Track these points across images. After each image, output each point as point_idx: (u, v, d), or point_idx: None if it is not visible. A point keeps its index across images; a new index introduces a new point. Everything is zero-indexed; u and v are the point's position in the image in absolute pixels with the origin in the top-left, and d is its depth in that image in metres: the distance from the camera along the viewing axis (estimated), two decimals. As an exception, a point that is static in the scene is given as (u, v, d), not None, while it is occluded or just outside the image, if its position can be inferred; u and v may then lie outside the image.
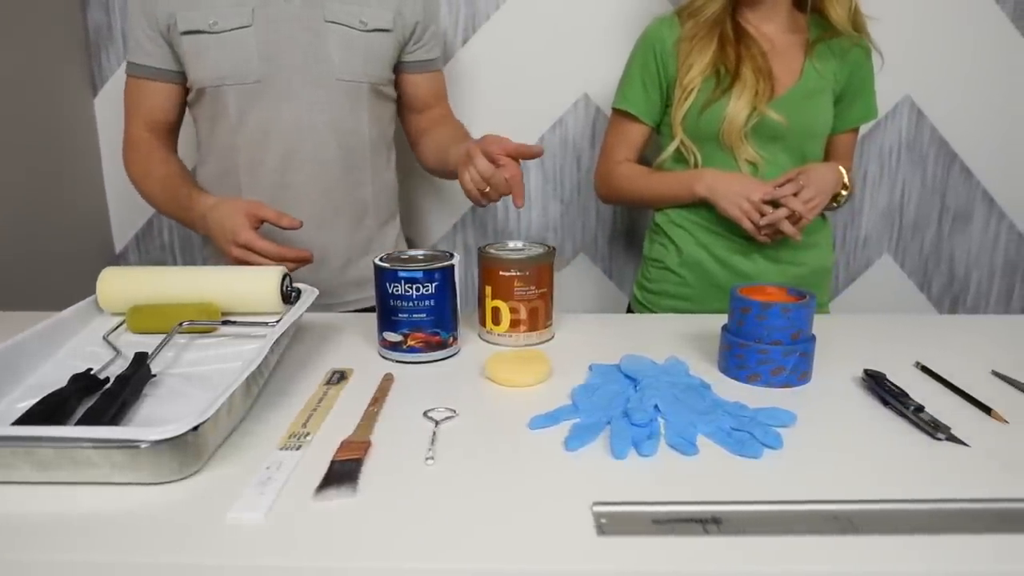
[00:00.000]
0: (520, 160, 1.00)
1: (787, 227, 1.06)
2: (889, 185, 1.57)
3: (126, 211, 1.54)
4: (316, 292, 0.89)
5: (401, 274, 0.82)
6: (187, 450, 0.57)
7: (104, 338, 0.80)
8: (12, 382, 0.70)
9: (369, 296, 0.98)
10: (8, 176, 1.26)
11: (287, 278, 0.88)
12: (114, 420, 0.63)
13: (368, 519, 0.54)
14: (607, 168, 1.24)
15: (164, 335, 0.78)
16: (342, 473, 0.59)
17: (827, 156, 1.21)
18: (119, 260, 1.56)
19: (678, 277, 1.19)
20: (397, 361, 0.85)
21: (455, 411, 0.71)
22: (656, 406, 0.70)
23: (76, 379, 0.69)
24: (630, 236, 1.59)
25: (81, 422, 0.62)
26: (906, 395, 0.73)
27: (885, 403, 0.74)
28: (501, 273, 0.88)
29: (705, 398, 0.73)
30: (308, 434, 0.66)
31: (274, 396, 0.75)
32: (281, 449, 0.63)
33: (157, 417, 0.66)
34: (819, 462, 0.62)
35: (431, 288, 0.82)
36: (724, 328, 0.83)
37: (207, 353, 0.79)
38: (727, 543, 0.50)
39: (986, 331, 0.99)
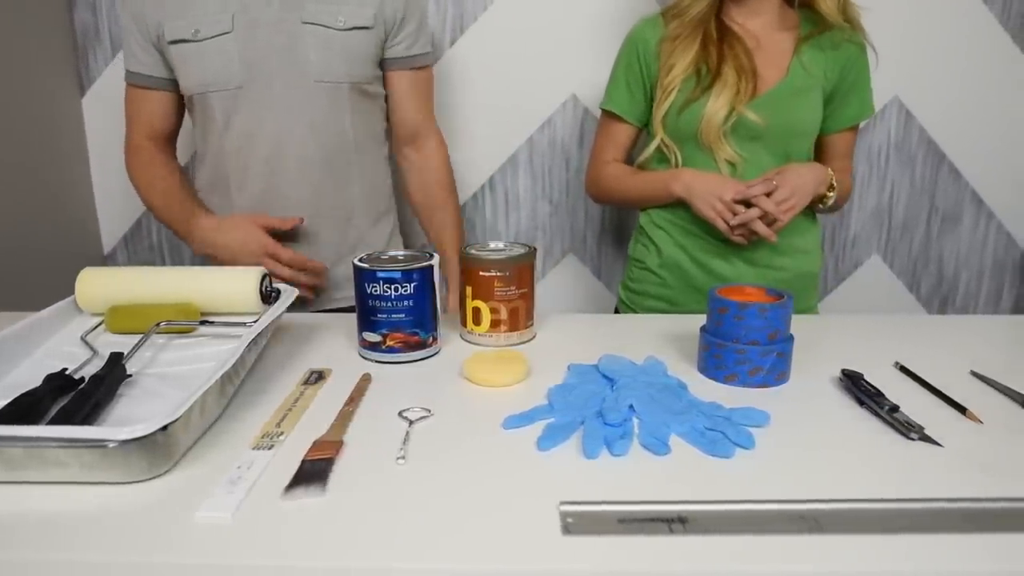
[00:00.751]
0: None
1: (760, 228, 1.05)
2: (878, 186, 1.57)
3: (114, 212, 1.54)
4: (296, 292, 0.89)
5: (379, 274, 0.82)
6: (156, 450, 0.57)
7: (82, 338, 0.80)
8: (-12, 382, 0.70)
9: None
10: (-5, 176, 1.27)
11: (266, 278, 0.88)
12: (87, 420, 0.63)
13: (336, 519, 0.54)
14: (596, 169, 1.24)
15: (142, 335, 0.78)
16: (312, 473, 0.59)
17: (823, 156, 1.19)
18: (107, 261, 1.57)
19: (658, 278, 1.19)
20: (376, 361, 0.85)
21: (430, 411, 0.71)
22: (631, 406, 0.70)
23: (50, 379, 0.69)
24: (619, 236, 1.59)
25: (53, 422, 0.62)
26: (882, 395, 0.73)
27: (861, 403, 0.74)
28: (481, 273, 0.88)
29: (681, 398, 0.73)
30: (282, 434, 0.66)
31: (252, 395, 0.75)
32: (253, 449, 0.63)
33: (131, 417, 0.66)
34: (790, 462, 0.62)
35: (410, 288, 0.82)
36: (702, 328, 0.83)
37: (185, 353, 0.79)
38: (692, 542, 0.50)
39: (967, 331, 0.99)
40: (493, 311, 0.89)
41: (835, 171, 1.13)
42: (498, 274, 0.88)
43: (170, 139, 1.20)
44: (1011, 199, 1.58)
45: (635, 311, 1.24)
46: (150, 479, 0.58)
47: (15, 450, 0.55)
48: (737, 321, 0.78)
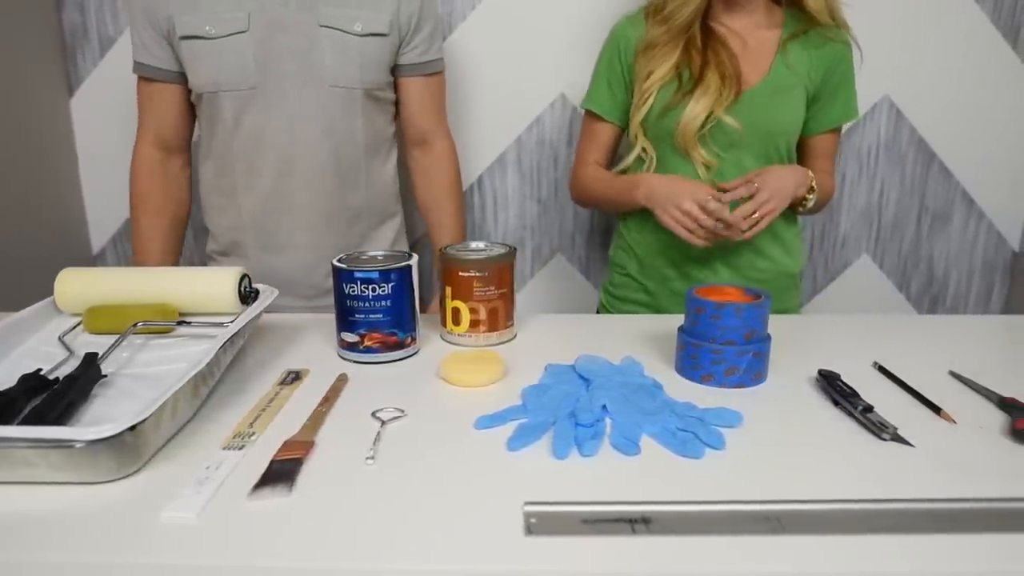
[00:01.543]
0: None
1: (733, 230, 1.02)
2: (868, 185, 1.57)
3: (103, 212, 1.54)
4: (275, 293, 0.89)
5: (357, 274, 0.82)
6: (125, 450, 0.57)
7: (59, 339, 0.80)
8: (-37, 382, 0.70)
9: None
10: (-17, 177, 1.27)
11: (245, 279, 0.88)
12: (59, 420, 0.63)
13: (301, 519, 0.54)
14: (576, 171, 1.23)
15: (119, 335, 0.78)
16: (280, 473, 0.59)
17: (805, 157, 1.18)
18: (96, 261, 1.57)
19: (639, 284, 1.19)
20: (355, 361, 0.85)
21: (403, 411, 0.71)
22: (604, 406, 0.70)
23: (25, 379, 0.69)
24: (607, 236, 1.59)
25: (25, 422, 0.62)
26: (857, 395, 0.73)
27: (836, 403, 0.74)
28: (460, 273, 0.88)
29: (656, 398, 0.73)
30: (253, 434, 0.66)
31: (228, 395, 0.76)
32: (224, 449, 0.64)
33: (105, 417, 0.66)
34: (760, 463, 0.62)
35: (387, 288, 0.82)
36: (680, 328, 0.83)
37: (162, 354, 0.79)
38: (654, 543, 0.50)
39: (948, 331, 0.99)
40: (472, 311, 0.89)
41: (817, 172, 1.12)
42: (477, 274, 0.88)
43: (182, 148, 1.18)
44: (1002, 199, 1.58)
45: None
46: (119, 479, 0.59)
47: (-17, 450, 0.55)
48: (713, 321, 0.78)
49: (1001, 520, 0.53)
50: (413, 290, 0.86)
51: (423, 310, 0.97)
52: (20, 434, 0.55)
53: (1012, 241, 1.60)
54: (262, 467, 0.60)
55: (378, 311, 0.83)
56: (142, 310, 0.82)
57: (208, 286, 0.86)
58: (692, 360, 0.80)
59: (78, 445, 0.55)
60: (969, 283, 1.63)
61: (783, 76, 1.10)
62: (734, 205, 1.04)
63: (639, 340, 0.92)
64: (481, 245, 0.95)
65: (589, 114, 1.19)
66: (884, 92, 1.51)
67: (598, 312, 1.31)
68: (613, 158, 1.22)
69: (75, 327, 0.84)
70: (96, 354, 0.73)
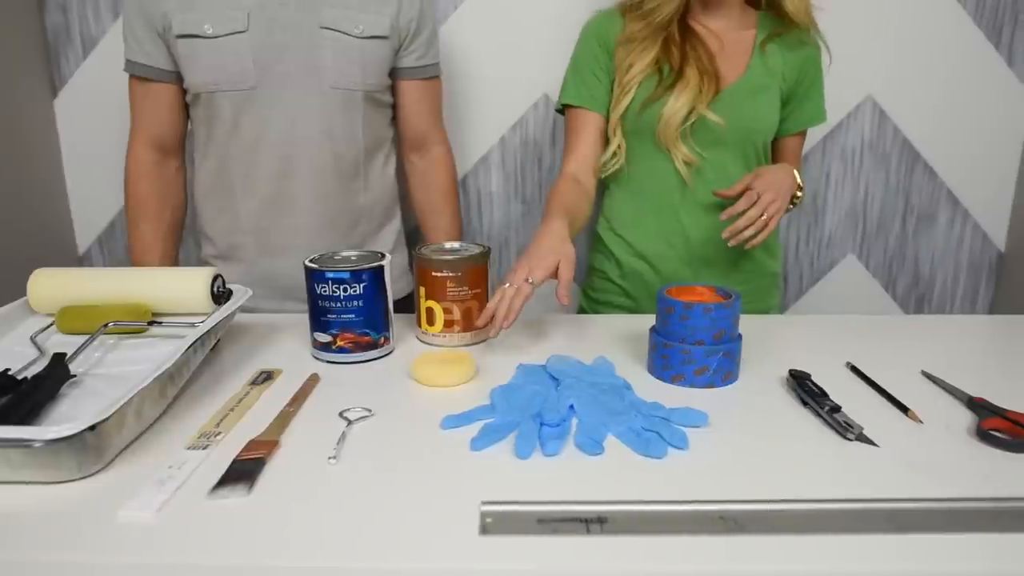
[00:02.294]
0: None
1: (748, 233, 0.98)
2: (852, 186, 1.57)
3: (88, 212, 1.54)
4: (249, 293, 0.89)
5: (328, 275, 0.82)
6: (86, 450, 0.57)
7: (31, 339, 0.80)
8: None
9: None
10: (-34, 177, 1.27)
11: (218, 279, 0.88)
12: (25, 420, 0.63)
13: (258, 518, 0.54)
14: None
15: (89, 336, 0.79)
16: (241, 472, 0.59)
17: (774, 159, 1.19)
18: (82, 261, 1.57)
19: (619, 288, 1.18)
20: (328, 362, 0.85)
21: (371, 411, 0.71)
22: (572, 406, 0.70)
23: (-8, 379, 0.69)
24: (593, 237, 1.59)
25: (-10, 422, 0.62)
26: (825, 395, 0.73)
27: (805, 404, 0.74)
28: (433, 274, 0.88)
29: (624, 398, 0.73)
30: (219, 434, 0.66)
31: (199, 395, 0.76)
32: (188, 448, 0.64)
33: (70, 417, 0.66)
34: (722, 462, 0.62)
35: (359, 289, 0.83)
36: (652, 329, 0.83)
37: (132, 354, 0.79)
38: (608, 543, 0.51)
39: (924, 331, 0.99)
40: (446, 311, 0.89)
41: None
42: (450, 274, 0.88)
43: (178, 146, 1.17)
44: (987, 198, 1.58)
45: None
46: (80, 479, 0.59)
47: (-58, 450, 0.55)
48: (683, 321, 0.78)
49: (958, 520, 0.53)
50: (386, 290, 0.86)
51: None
52: (-20, 434, 0.56)
53: (998, 241, 1.61)
54: (224, 467, 0.60)
55: (350, 311, 0.83)
56: (114, 310, 0.82)
57: (180, 286, 0.86)
58: (663, 360, 0.80)
59: (37, 444, 0.55)
60: (955, 283, 1.63)
61: (760, 76, 1.10)
62: (721, 211, 1.02)
63: (615, 340, 0.93)
64: (456, 246, 0.95)
65: (569, 112, 1.16)
66: (867, 92, 1.51)
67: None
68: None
69: (48, 327, 0.84)
70: (64, 354, 0.73)
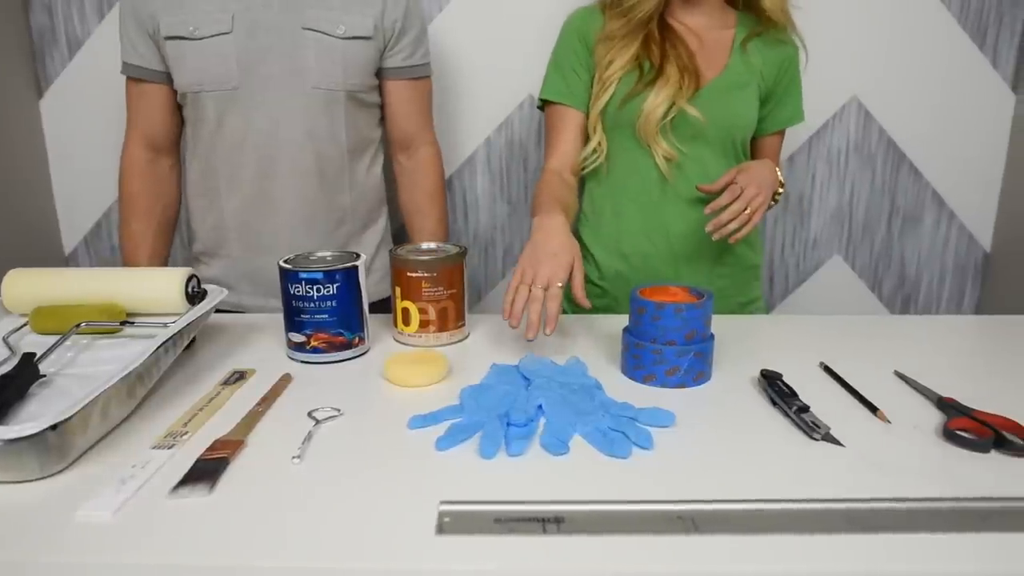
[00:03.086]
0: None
1: (732, 227, 0.97)
2: (838, 186, 1.57)
3: (74, 213, 1.55)
4: (224, 293, 0.89)
5: (301, 275, 0.82)
6: (48, 449, 0.58)
7: (3, 339, 0.80)
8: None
9: None
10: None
11: (193, 279, 0.88)
12: (-9, 420, 0.63)
13: (218, 517, 0.54)
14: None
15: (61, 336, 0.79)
16: (203, 472, 0.59)
17: (753, 158, 1.19)
18: (69, 262, 1.57)
19: (600, 289, 1.18)
20: (302, 362, 0.85)
21: (339, 411, 0.71)
22: (540, 406, 0.71)
23: (-39, 379, 0.69)
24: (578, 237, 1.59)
25: (-45, 421, 0.62)
26: (795, 395, 0.73)
27: (775, 403, 0.74)
28: (409, 274, 0.88)
29: (594, 398, 0.73)
30: (186, 433, 0.66)
31: (171, 395, 0.76)
32: (153, 448, 0.64)
33: (38, 417, 0.66)
34: (686, 462, 0.62)
35: (332, 289, 0.83)
36: (624, 329, 0.83)
37: (105, 354, 0.79)
38: (563, 542, 0.51)
39: (901, 331, 0.99)
40: (421, 311, 0.89)
41: None
42: (425, 275, 0.88)
43: (171, 145, 1.18)
44: (972, 199, 1.58)
45: None
46: (43, 478, 0.59)
47: (-96, 450, 0.55)
48: (654, 321, 0.78)
49: (917, 520, 0.53)
50: (360, 291, 0.86)
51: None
52: (-60, 433, 0.56)
53: (983, 242, 1.61)
54: (188, 467, 0.60)
55: (323, 311, 0.83)
56: (87, 310, 0.82)
57: (155, 286, 0.86)
58: (635, 360, 0.80)
59: (-2, 444, 0.55)
60: (941, 284, 1.63)
61: (738, 73, 1.10)
62: (703, 206, 1.02)
63: (591, 341, 0.93)
64: (433, 246, 0.95)
65: (550, 108, 1.16)
66: (853, 93, 1.51)
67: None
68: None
69: (21, 327, 0.84)
70: (33, 354, 0.73)
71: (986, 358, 0.92)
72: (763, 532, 0.51)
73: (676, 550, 0.50)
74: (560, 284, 0.85)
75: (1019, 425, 0.67)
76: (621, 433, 0.65)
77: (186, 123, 1.15)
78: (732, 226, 0.97)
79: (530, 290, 0.84)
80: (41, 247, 1.52)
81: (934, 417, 0.72)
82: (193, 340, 0.90)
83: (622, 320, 0.95)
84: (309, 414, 0.70)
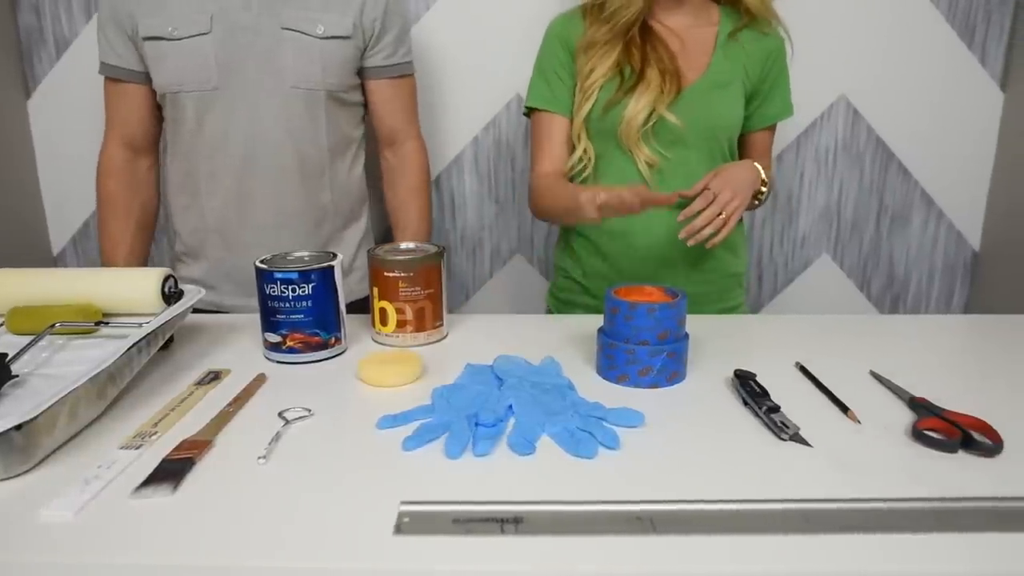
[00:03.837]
0: None
1: (707, 232, 0.98)
2: (826, 185, 1.57)
3: (62, 213, 1.55)
4: (201, 293, 0.89)
5: (277, 275, 0.82)
6: (12, 450, 0.58)
7: (-22, 339, 0.80)
8: None
9: None
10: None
11: (169, 279, 0.88)
12: (-40, 420, 0.64)
13: (180, 517, 0.54)
14: (531, 183, 1.18)
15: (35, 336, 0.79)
16: (168, 472, 0.59)
17: (743, 155, 1.19)
18: (57, 262, 1.58)
19: (582, 288, 1.18)
20: (278, 362, 0.85)
21: (310, 411, 0.71)
22: (511, 406, 0.71)
23: (-67, 379, 0.69)
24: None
25: (-76, 422, 0.62)
26: (767, 395, 0.73)
27: (746, 404, 0.74)
28: (386, 274, 0.89)
29: (565, 398, 0.73)
30: (155, 434, 0.67)
31: (145, 395, 0.76)
32: (121, 448, 0.64)
33: (6, 416, 0.66)
34: (652, 462, 0.62)
35: (308, 289, 0.83)
36: (599, 329, 0.83)
37: (79, 354, 0.79)
38: (519, 542, 0.51)
39: (883, 331, 0.99)
40: (399, 311, 0.89)
41: None
42: (402, 275, 0.88)
43: (150, 148, 1.19)
44: (961, 198, 1.58)
45: None
46: (7, 479, 0.59)
47: None
48: (627, 321, 0.78)
49: (877, 520, 0.53)
50: (337, 291, 0.86)
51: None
52: (-97, 434, 0.56)
53: (972, 241, 1.60)
54: (154, 467, 0.60)
55: (299, 311, 0.83)
56: (62, 311, 0.82)
57: (131, 287, 0.86)
58: (608, 360, 0.80)
59: (-42, 444, 0.55)
60: (930, 283, 1.63)
61: (721, 72, 1.10)
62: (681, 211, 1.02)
63: (568, 340, 0.93)
64: (411, 246, 0.95)
65: (536, 115, 1.16)
66: (841, 92, 1.51)
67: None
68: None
69: (-2, 327, 0.84)
70: (6, 355, 0.73)
71: (965, 357, 0.92)
72: (719, 532, 0.51)
73: (632, 550, 0.50)
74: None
75: (989, 425, 0.67)
76: (588, 433, 0.65)
77: (166, 123, 1.15)
78: (707, 231, 0.97)
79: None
80: (29, 247, 1.52)
81: (906, 417, 0.71)
82: (171, 340, 0.90)
83: (599, 320, 0.95)
84: (279, 414, 0.71)
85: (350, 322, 0.95)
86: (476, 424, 0.67)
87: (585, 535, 0.51)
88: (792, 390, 0.77)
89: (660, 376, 0.78)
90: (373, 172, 1.27)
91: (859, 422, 0.70)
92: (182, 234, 1.19)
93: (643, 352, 0.77)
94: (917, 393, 0.75)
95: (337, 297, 0.86)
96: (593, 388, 0.78)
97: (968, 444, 0.65)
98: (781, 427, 0.67)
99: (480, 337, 0.94)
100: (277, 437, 0.66)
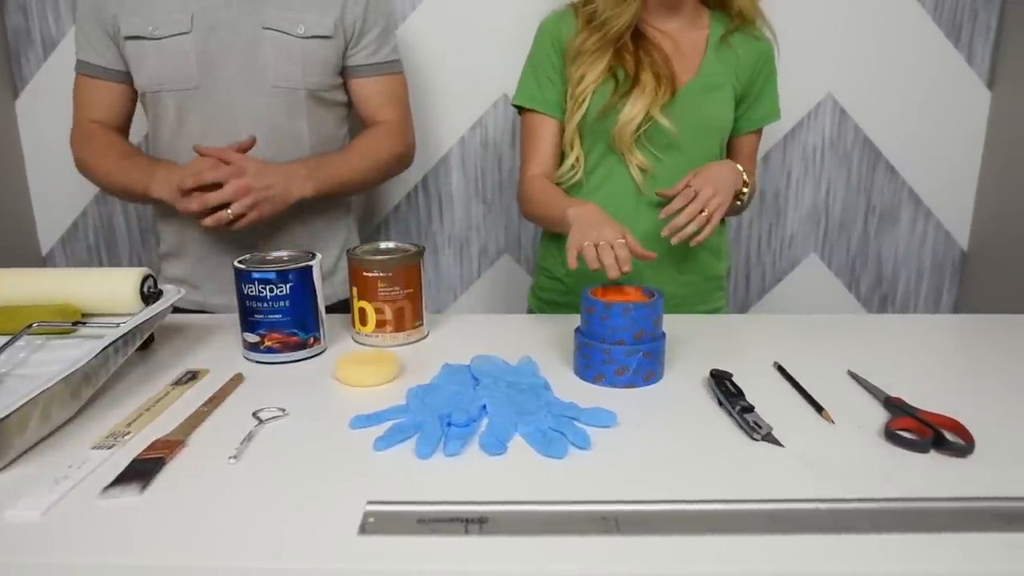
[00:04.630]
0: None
1: (691, 228, 0.98)
2: (814, 184, 1.57)
3: (51, 213, 1.55)
4: (181, 293, 0.89)
5: (254, 275, 0.82)
6: (-19, 450, 0.58)
7: (-44, 339, 0.80)
8: None
9: None
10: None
11: (148, 279, 0.89)
12: (-66, 420, 0.64)
13: (147, 518, 0.54)
14: (520, 186, 1.17)
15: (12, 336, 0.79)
16: (137, 472, 0.59)
17: (729, 159, 1.18)
18: (45, 262, 1.58)
19: (564, 287, 1.18)
20: (257, 362, 0.85)
21: (284, 411, 0.71)
22: (484, 406, 0.71)
23: (-93, 379, 0.69)
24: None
25: None
26: (741, 395, 0.73)
27: (721, 404, 0.74)
28: (365, 274, 0.89)
29: (540, 398, 0.74)
30: (128, 434, 0.67)
31: (122, 395, 0.76)
32: (93, 448, 0.64)
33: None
34: (621, 463, 0.62)
35: (285, 289, 0.83)
36: (576, 329, 0.83)
37: (57, 354, 0.79)
38: (483, 543, 0.51)
39: (864, 330, 0.99)
40: (378, 311, 0.89)
41: None
42: (381, 274, 0.88)
43: (122, 129, 1.18)
44: (949, 197, 1.58)
45: None
46: (-23, 479, 0.59)
47: None
48: (603, 321, 0.78)
49: (842, 520, 0.53)
50: (315, 291, 0.86)
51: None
52: None
53: (960, 240, 1.60)
54: (124, 467, 0.60)
55: (277, 311, 0.83)
56: (41, 311, 0.82)
57: (110, 287, 0.86)
58: (585, 360, 0.80)
59: (-71, 445, 0.56)
60: (919, 282, 1.63)
61: (713, 74, 1.10)
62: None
63: (548, 340, 0.93)
64: (391, 245, 0.95)
65: (526, 115, 1.16)
66: (827, 91, 1.51)
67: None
68: (561, 160, 1.18)
69: (-24, 328, 0.84)
70: (-20, 355, 0.73)
71: (946, 357, 0.92)
72: (683, 533, 0.51)
73: (594, 550, 0.50)
74: (624, 239, 0.88)
75: (961, 425, 0.67)
76: (560, 433, 0.66)
77: (148, 119, 1.15)
78: (690, 228, 0.97)
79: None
80: (18, 248, 1.52)
81: (880, 417, 0.72)
82: (152, 340, 0.90)
83: (578, 321, 0.95)
84: (254, 414, 0.71)
85: (332, 322, 0.96)
86: (449, 424, 0.67)
87: (549, 535, 0.51)
88: (769, 390, 0.77)
89: (636, 376, 0.78)
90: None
91: (833, 422, 0.70)
92: (165, 233, 1.19)
93: (619, 352, 0.77)
94: (895, 393, 0.75)
95: (316, 297, 0.86)
96: (570, 388, 0.78)
97: (940, 444, 0.65)
98: (754, 427, 0.67)
99: (460, 337, 0.94)
100: (249, 437, 0.66)
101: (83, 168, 1.16)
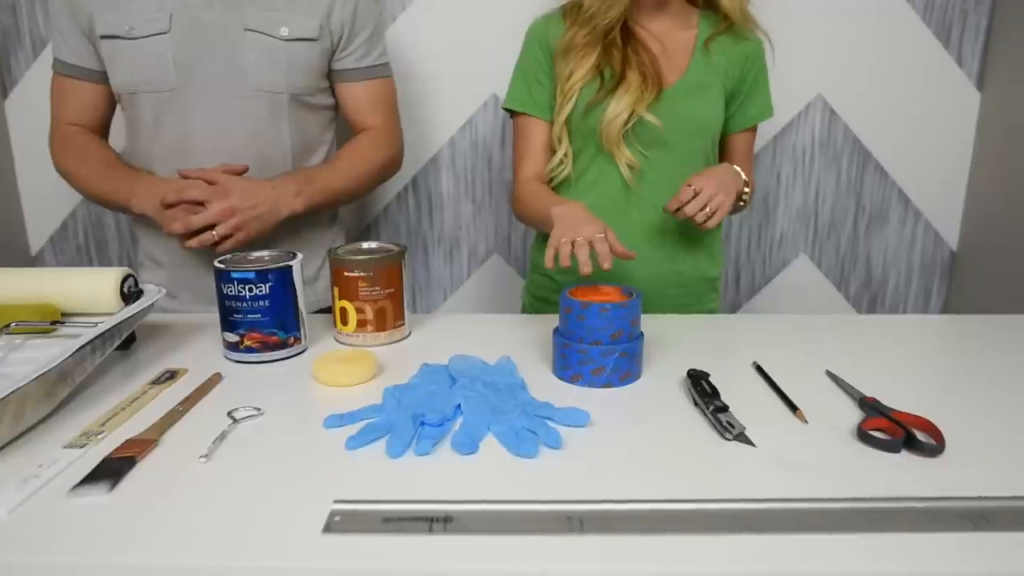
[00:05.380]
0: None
1: (700, 216, 0.99)
2: (803, 185, 1.57)
3: (41, 213, 1.55)
4: (161, 292, 0.89)
5: (234, 275, 0.82)
6: (-49, 449, 0.58)
7: (-65, 338, 0.81)
8: None
9: None
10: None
11: (129, 279, 0.89)
12: (-92, 419, 0.64)
13: (114, 516, 0.54)
14: (514, 188, 1.18)
15: (-6, 335, 0.79)
16: (107, 471, 0.59)
17: (724, 158, 1.19)
18: (35, 262, 1.58)
19: (556, 284, 1.18)
20: (236, 361, 0.85)
21: (259, 410, 0.71)
22: (459, 406, 0.71)
23: None
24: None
25: None
26: (716, 395, 0.73)
27: (696, 403, 0.74)
28: (346, 274, 0.89)
29: (516, 398, 0.74)
30: (102, 432, 0.67)
31: (100, 394, 0.76)
32: (65, 447, 0.64)
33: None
34: (591, 462, 0.62)
35: (265, 289, 0.83)
36: (554, 329, 0.83)
37: (35, 353, 0.79)
38: (447, 541, 0.51)
39: (847, 330, 0.99)
40: (359, 311, 0.90)
41: None
42: (362, 274, 0.88)
43: (100, 129, 1.16)
44: (938, 198, 1.58)
45: None
46: (-52, 478, 0.59)
47: None
48: (580, 321, 0.78)
49: (808, 520, 0.53)
50: (295, 290, 0.86)
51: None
52: None
53: (950, 240, 1.60)
54: (94, 466, 0.61)
55: (256, 311, 0.83)
56: (19, 310, 0.83)
57: (90, 286, 0.86)
58: (563, 360, 0.80)
59: (-102, 444, 0.56)
60: (908, 283, 1.63)
61: (701, 74, 1.10)
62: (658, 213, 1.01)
63: (529, 340, 0.93)
64: (373, 246, 0.95)
65: (517, 118, 1.16)
66: (817, 91, 1.51)
67: (523, 313, 1.31)
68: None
69: (-44, 327, 0.84)
70: (-42, 354, 0.73)
71: (925, 358, 0.92)
72: (648, 533, 0.51)
73: (556, 550, 0.50)
74: (603, 235, 0.88)
75: (934, 426, 0.67)
76: (533, 433, 0.66)
77: (125, 120, 1.13)
78: (699, 217, 0.98)
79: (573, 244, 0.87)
80: (7, 248, 1.52)
81: (855, 417, 0.72)
82: (133, 339, 0.91)
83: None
84: (228, 414, 0.71)
85: (314, 322, 0.96)
86: (422, 424, 0.67)
87: (513, 534, 0.51)
88: (745, 390, 0.77)
89: (613, 376, 0.78)
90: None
91: (806, 422, 0.70)
92: (142, 240, 1.17)
93: (596, 352, 0.77)
94: (873, 393, 0.75)
95: (296, 297, 0.86)
96: (547, 388, 0.78)
97: (911, 444, 0.65)
98: (727, 427, 0.67)
99: (442, 337, 0.95)
100: (222, 436, 0.66)
101: (62, 173, 1.14)
